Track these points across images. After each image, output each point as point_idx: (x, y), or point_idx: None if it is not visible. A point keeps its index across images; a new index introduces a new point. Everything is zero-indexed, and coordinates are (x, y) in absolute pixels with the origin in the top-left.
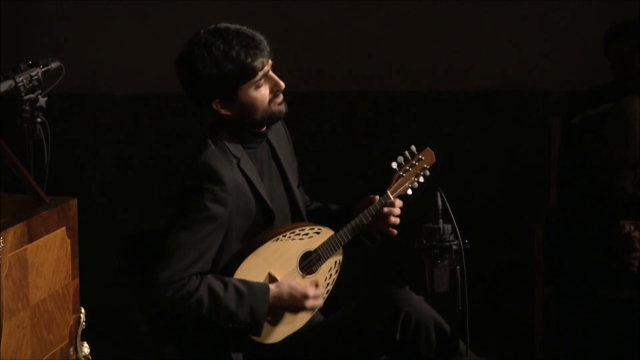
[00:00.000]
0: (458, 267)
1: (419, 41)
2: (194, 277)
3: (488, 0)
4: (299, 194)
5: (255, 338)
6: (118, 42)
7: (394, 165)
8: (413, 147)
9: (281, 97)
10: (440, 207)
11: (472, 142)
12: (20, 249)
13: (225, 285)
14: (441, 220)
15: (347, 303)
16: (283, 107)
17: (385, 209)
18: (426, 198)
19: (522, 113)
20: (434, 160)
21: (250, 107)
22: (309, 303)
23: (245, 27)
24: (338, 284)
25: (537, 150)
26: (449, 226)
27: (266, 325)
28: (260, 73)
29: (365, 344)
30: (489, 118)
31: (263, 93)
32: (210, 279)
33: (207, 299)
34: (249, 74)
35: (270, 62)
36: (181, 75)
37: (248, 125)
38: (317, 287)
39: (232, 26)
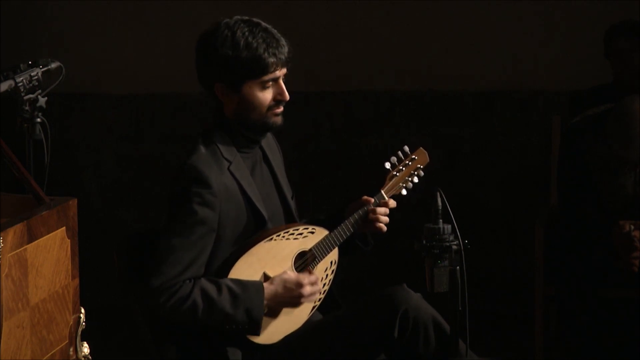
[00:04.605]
0: (458, 267)
1: (419, 41)
2: (187, 281)
3: (488, 0)
4: (292, 201)
5: (255, 339)
6: (118, 42)
7: (387, 165)
8: (406, 147)
9: (281, 109)
10: (440, 207)
11: (472, 142)
12: (20, 249)
13: (219, 287)
14: (441, 220)
15: (345, 303)
16: (279, 120)
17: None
18: (426, 198)
19: (522, 113)
20: (428, 160)
21: (249, 104)
22: (306, 290)
23: (275, 30)
24: (337, 284)
25: (537, 150)
26: (449, 226)
27: (265, 326)
28: (271, 75)
29: (363, 342)
30: (489, 118)
31: (266, 96)
32: (203, 282)
33: (201, 303)
34: (260, 69)
35: (284, 70)
36: (198, 48)
37: (242, 126)
38: (311, 274)
39: (264, 23)
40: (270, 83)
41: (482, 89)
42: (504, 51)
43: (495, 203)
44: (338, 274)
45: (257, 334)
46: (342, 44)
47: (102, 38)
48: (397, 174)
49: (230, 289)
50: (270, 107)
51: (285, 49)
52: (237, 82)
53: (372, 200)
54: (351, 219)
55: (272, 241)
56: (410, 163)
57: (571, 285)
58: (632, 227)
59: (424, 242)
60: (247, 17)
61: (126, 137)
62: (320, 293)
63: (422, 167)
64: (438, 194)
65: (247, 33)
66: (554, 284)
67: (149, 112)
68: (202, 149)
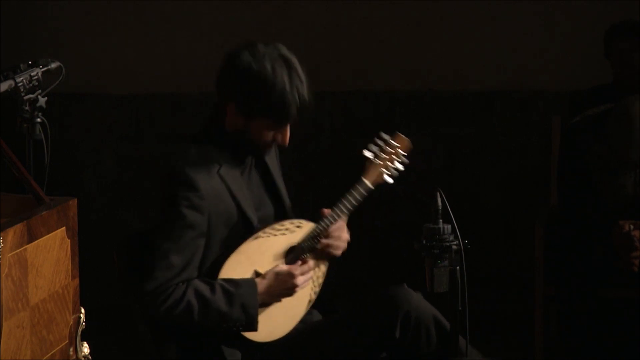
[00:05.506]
0: (458, 267)
1: (419, 41)
2: (180, 284)
3: (488, 0)
4: (287, 206)
5: (254, 337)
6: (118, 42)
7: (367, 153)
8: (383, 134)
9: (274, 147)
10: (440, 207)
11: (472, 142)
12: (20, 249)
13: (212, 287)
14: (441, 220)
15: (346, 303)
16: (272, 150)
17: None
18: (426, 198)
19: (522, 113)
20: (408, 144)
21: (250, 132)
22: (299, 280)
23: (307, 79)
24: (338, 284)
25: (537, 150)
26: (449, 226)
27: (263, 323)
28: (285, 125)
29: (364, 342)
30: (489, 118)
31: (269, 134)
32: (197, 283)
33: (196, 304)
34: (281, 117)
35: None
36: (232, 65)
37: (236, 140)
38: (301, 265)
39: (299, 66)
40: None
41: (482, 89)
42: (504, 51)
43: (495, 203)
44: (333, 269)
45: (255, 329)
46: (342, 44)
47: (102, 38)
48: (378, 160)
49: (223, 288)
50: (266, 144)
51: (307, 105)
52: (252, 113)
53: (328, 212)
54: (337, 209)
55: (259, 239)
56: (390, 149)
57: (571, 285)
58: (632, 227)
59: (424, 242)
60: (284, 52)
61: (126, 137)
62: (315, 286)
63: (404, 153)
64: (438, 194)
65: (286, 79)
66: (554, 284)
67: (149, 112)
68: (191, 152)
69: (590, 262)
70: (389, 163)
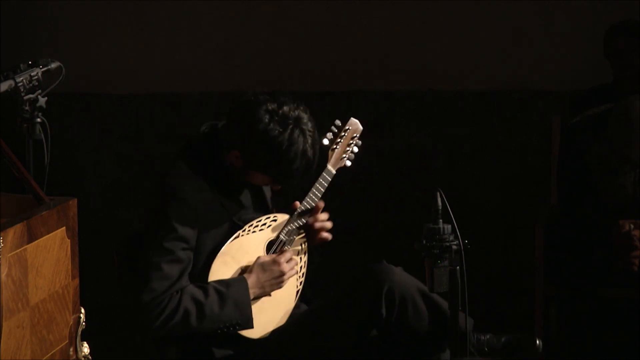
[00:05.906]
0: (458, 267)
1: (419, 41)
2: (174, 293)
3: (488, 0)
4: (271, 208)
5: (250, 333)
6: (118, 42)
7: (325, 141)
8: (338, 121)
9: None
10: (440, 207)
11: (472, 142)
12: (20, 249)
13: (205, 290)
14: (441, 220)
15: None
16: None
17: (317, 225)
18: (426, 198)
19: (522, 113)
20: (361, 127)
21: (248, 175)
22: (284, 267)
23: (318, 142)
24: (336, 282)
25: (537, 150)
26: (449, 226)
27: (257, 319)
28: (281, 184)
29: (352, 324)
30: (489, 118)
31: (264, 182)
32: (190, 289)
33: (193, 308)
34: (282, 179)
35: None
36: (249, 117)
37: (230, 170)
38: (283, 253)
39: (315, 137)
40: None
41: (482, 89)
42: (504, 51)
43: (495, 203)
44: (316, 262)
45: (251, 327)
46: (342, 44)
47: (102, 38)
48: (337, 147)
49: (216, 289)
50: (259, 184)
51: (310, 167)
52: (254, 166)
53: (299, 204)
54: (307, 199)
55: (240, 237)
56: (345, 134)
57: (571, 285)
58: (632, 226)
59: (424, 242)
60: (303, 116)
61: (126, 137)
62: (300, 276)
63: (357, 135)
64: (438, 194)
65: (299, 151)
66: (554, 284)
67: (149, 112)
68: (182, 164)
69: (590, 262)
70: (347, 148)
